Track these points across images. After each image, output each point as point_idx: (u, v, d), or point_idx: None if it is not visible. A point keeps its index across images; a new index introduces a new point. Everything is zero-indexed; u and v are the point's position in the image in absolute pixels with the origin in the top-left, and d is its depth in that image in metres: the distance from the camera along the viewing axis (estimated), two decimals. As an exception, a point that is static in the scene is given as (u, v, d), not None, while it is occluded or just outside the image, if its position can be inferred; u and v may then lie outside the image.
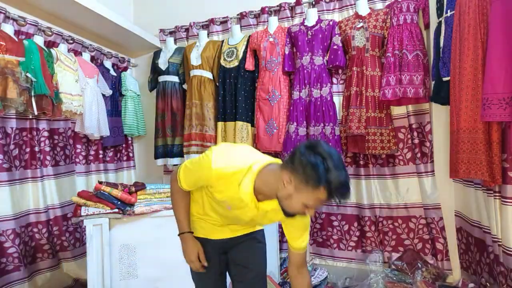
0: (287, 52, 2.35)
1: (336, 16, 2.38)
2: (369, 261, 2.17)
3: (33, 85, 1.85)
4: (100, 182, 1.94)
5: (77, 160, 2.49)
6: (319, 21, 2.29)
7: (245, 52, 2.47)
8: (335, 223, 2.38)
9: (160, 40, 2.89)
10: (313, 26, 2.28)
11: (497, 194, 1.53)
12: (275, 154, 2.50)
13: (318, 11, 2.36)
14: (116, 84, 2.72)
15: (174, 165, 2.71)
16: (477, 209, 1.75)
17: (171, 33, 2.86)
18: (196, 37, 2.73)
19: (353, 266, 2.31)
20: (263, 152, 1.21)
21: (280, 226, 2.46)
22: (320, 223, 2.42)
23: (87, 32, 2.57)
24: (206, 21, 2.73)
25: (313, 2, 2.40)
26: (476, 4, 1.50)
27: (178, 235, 1.28)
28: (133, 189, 1.93)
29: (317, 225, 2.44)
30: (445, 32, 1.76)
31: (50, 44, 2.19)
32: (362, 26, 2.15)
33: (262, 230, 1.40)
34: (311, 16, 2.31)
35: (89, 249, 1.80)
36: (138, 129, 2.85)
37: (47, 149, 2.22)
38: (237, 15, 2.63)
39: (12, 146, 2.04)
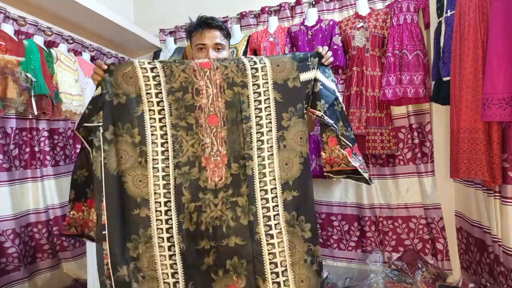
0: (287, 52, 2.35)
1: (336, 16, 2.38)
2: (369, 261, 2.16)
3: (33, 85, 1.84)
4: (100, 182, 1.94)
5: (77, 160, 2.48)
6: (319, 21, 2.29)
7: (245, 52, 2.47)
8: (335, 223, 2.38)
9: (160, 40, 2.89)
10: (313, 26, 2.28)
11: (497, 194, 1.53)
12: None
13: (318, 11, 2.36)
14: (116, 84, 2.71)
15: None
16: (477, 209, 1.75)
17: (171, 33, 2.86)
18: (196, 37, 2.73)
19: (353, 266, 2.31)
20: None
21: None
22: (320, 223, 2.42)
23: (87, 32, 2.57)
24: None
25: (313, 2, 2.39)
26: (476, 4, 1.50)
27: None
28: (133, 189, 1.93)
29: (317, 225, 2.44)
30: (445, 32, 1.76)
31: (50, 44, 2.19)
32: (362, 26, 2.15)
33: None
34: (311, 16, 2.31)
35: (89, 249, 1.80)
36: (138, 129, 2.85)
37: (47, 149, 2.22)
38: (237, 15, 2.62)
39: (12, 146, 2.04)
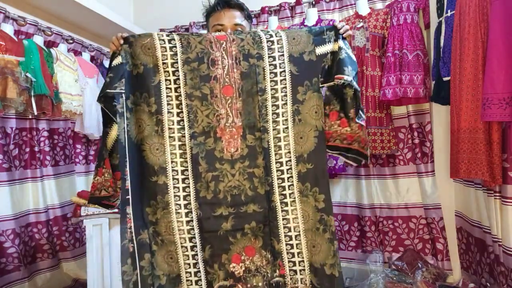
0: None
1: (336, 16, 2.38)
2: (369, 261, 2.16)
3: (32, 85, 1.84)
4: (100, 182, 1.94)
5: (76, 160, 2.49)
6: (319, 20, 2.29)
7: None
8: (335, 223, 2.37)
9: (160, 40, 2.89)
10: (313, 26, 2.28)
11: (497, 194, 1.53)
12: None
13: (318, 11, 2.36)
14: (116, 84, 2.71)
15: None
16: (477, 209, 1.74)
17: (171, 33, 2.86)
18: (196, 37, 2.73)
19: (353, 266, 2.31)
20: None
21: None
22: (320, 223, 2.42)
23: (87, 32, 2.57)
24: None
25: (313, 2, 2.39)
26: (477, 4, 1.50)
27: None
28: (133, 189, 1.93)
29: (317, 225, 2.44)
30: (445, 32, 1.76)
31: (50, 44, 2.19)
32: (362, 26, 2.15)
33: None
34: (311, 16, 2.31)
35: (89, 249, 1.80)
36: (138, 129, 2.85)
37: (47, 149, 2.22)
38: (237, 15, 2.62)
39: (12, 146, 2.04)
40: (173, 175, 1.09)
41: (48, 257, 2.20)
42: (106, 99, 1.10)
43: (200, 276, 1.09)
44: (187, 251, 1.09)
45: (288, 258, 1.10)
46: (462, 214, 1.97)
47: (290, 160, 1.11)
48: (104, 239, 1.82)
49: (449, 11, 1.73)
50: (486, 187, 1.60)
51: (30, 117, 2.11)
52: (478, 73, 1.48)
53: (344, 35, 1.15)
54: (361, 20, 2.16)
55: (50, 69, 2.00)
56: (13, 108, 1.81)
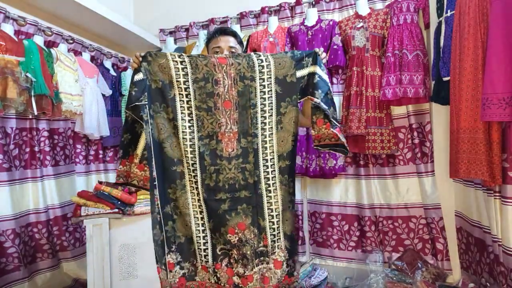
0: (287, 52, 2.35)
1: (336, 16, 2.38)
2: (369, 261, 2.17)
3: (33, 85, 1.85)
4: (100, 182, 1.94)
5: (77, 160, 2.49)
6: (319, 21, 2.29)
7: (245, 52, 2.47)
8: (335, 223, 2.38)
9: (160, 40, 2.89)
10: (313, 26, 2.28)
11: (497, 194, 1.53)
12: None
13: (318, 11, 2.36)
14: (116, 84, 2.72)
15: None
16: (477, 209, 1.75)
17: (171, 33, 2.86)
18: (196, 37, 2.73)
19: (353, 266, 2.31)
20: None
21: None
22: (320, 223, 2.42)
23: (87, 32, 2.57)
24: (206, 21, 2.73)
25: (313, 2, 2.39)
26: (476, 4, 1.50)
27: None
28: (132, 189, 1.93)
29: (317, 225, 2.44)
30: (445, 32, 1.76)
31: (50, 44, 2.20)
32: (362, 26, 2.15)
33: None
34: (311, 16, 2.31)
35: (89, 249, 1.81)
36: (138, 129, 2.85)
37: (47, 149, 2.22)
38: (237, 15, 2.63)
39: (12, 146, 2.04)
40: (187, 166, 1.39)
41: (48, 257, 2.20)
42: (133, 108, 1.35)
43: (207, 239, 1.41)
44: (198, 220, 1.41)
45: (270, 232, 1.41)
46: (462, 214, 1.97)
47: (273, 158, 1.41)
48: (104, 239, 1.82)
49: (449, 11, 1.73)
50: (486, 187, 1.60)
51: (30, 117, 2.12)
52: (478, 73, 1.48)
53: (322, 57, 1.43)
54: (361, 20, 2.17)
55: (50, 69, 2.00)
56: (13, 108, 1.81)
